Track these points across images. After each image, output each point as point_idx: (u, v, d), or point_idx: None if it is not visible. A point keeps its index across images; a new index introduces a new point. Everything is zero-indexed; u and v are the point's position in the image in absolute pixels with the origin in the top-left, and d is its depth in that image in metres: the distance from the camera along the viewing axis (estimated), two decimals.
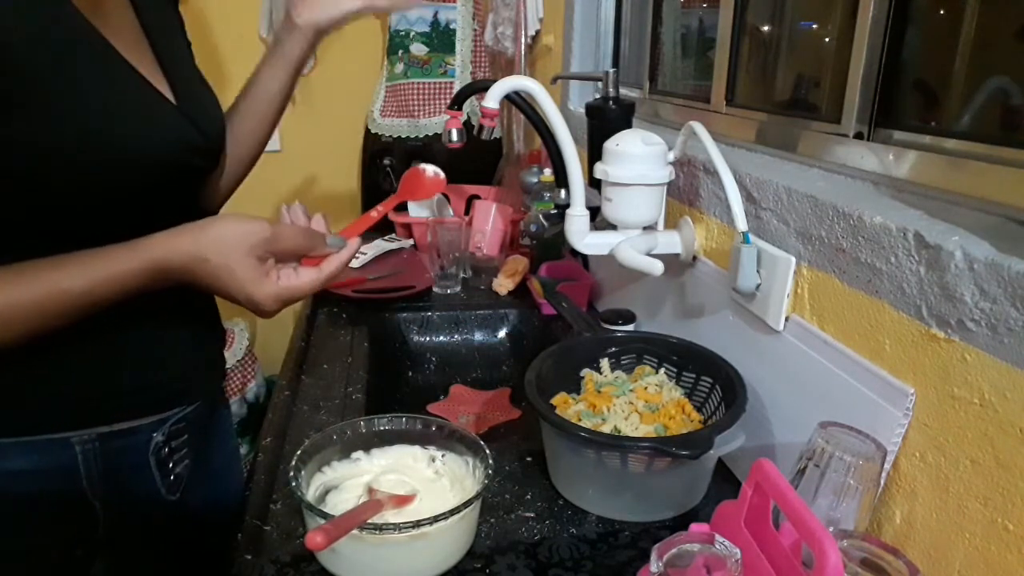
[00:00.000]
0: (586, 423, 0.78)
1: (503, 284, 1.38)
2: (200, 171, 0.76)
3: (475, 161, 2.00)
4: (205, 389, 0.83)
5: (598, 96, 1.10)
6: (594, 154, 1.00)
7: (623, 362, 0.91)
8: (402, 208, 1.64)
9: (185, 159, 0.70)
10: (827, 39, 0.88)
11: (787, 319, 0.75)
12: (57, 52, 0.58)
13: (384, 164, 1.74)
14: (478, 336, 1.30)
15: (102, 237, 0.64)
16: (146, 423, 0.73)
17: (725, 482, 0.81)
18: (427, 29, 2.12)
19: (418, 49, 2.13)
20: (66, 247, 0.62)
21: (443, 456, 0.77)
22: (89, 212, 0.63)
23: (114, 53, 0.64)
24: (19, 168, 0.58)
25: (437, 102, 2.14)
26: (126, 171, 0.63)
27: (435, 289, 1.38)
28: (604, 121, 1.04)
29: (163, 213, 0.71)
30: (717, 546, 0.50)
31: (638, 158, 0.88)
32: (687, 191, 0.97)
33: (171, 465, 0.77)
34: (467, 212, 1.59)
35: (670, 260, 0.90)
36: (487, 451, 0.71)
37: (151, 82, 0.67)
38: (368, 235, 1.70)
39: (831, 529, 0.53)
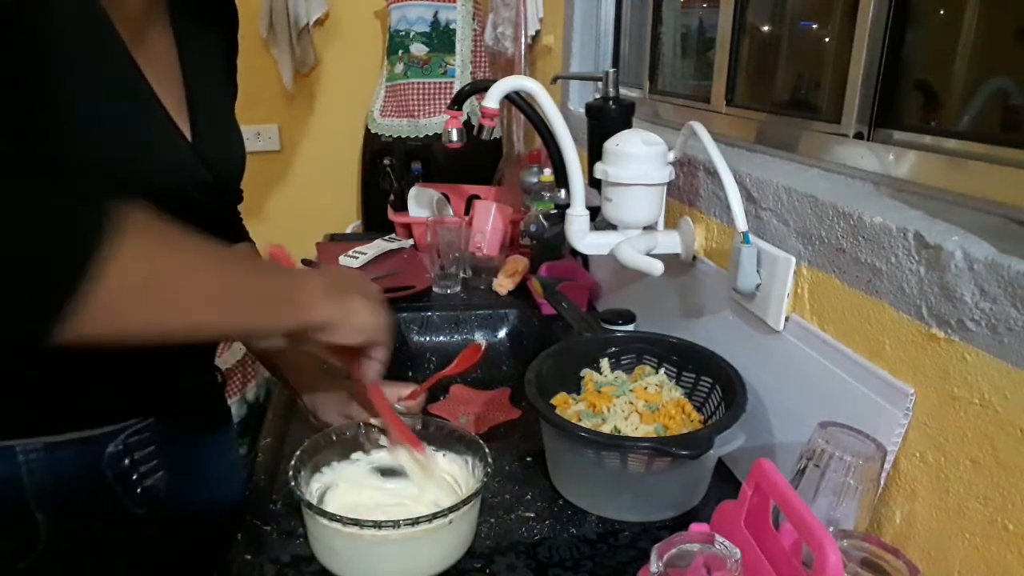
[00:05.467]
0: (586, 423, 0.78)
1: (503, 284, 1.38)
2: (206, 206, 0.74)
3: (475, 161, 2.00)
4: (171, 401, 0.77)
5: (598, 96, 1.10)
6: (594, 154, 1.00)
7: (623, 362, 0.91)
8: (402, 208, 1.64)
9: (189, 195, 0.70)
10: (827, 39, 0.88)
11: (787, 319, 0.75)
12: (87, 74, 0.59)
13: (384, 164, 1.74)
14: (478, 336, 1.30)
15: None
16: (99, 433, 0.69)
17: (725, 482, 0.81)
18: (427, 29, 2.12)
19: (418, 49, 2.13)
20: None
21: (443, 456, 0.77)
22: None
23: (143, 82, 0.64)
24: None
25: (437, 102, 2.14)
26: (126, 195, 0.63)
27: (435, 289, 1.38)
28: (604, 121, 1.04)
29: None
30: (717, 546, 0.50)
31: (638, 158, 0.88)
32: (687, 191, 0.97)
33: (136, 477, 0.72)
34: (467, 212, 1.59)
35: (670, 260, 0.89)
36: (487, 451, 0.71)
37: (172, 117, 0.68)
38: (368, 235, 1.70)
39: (831, 529, 0.53)
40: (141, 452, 0.72)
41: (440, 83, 2.14)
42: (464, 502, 0.64)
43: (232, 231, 0.90)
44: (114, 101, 0.62)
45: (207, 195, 0.73)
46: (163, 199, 0.66)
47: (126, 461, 0.71)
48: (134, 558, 0.74)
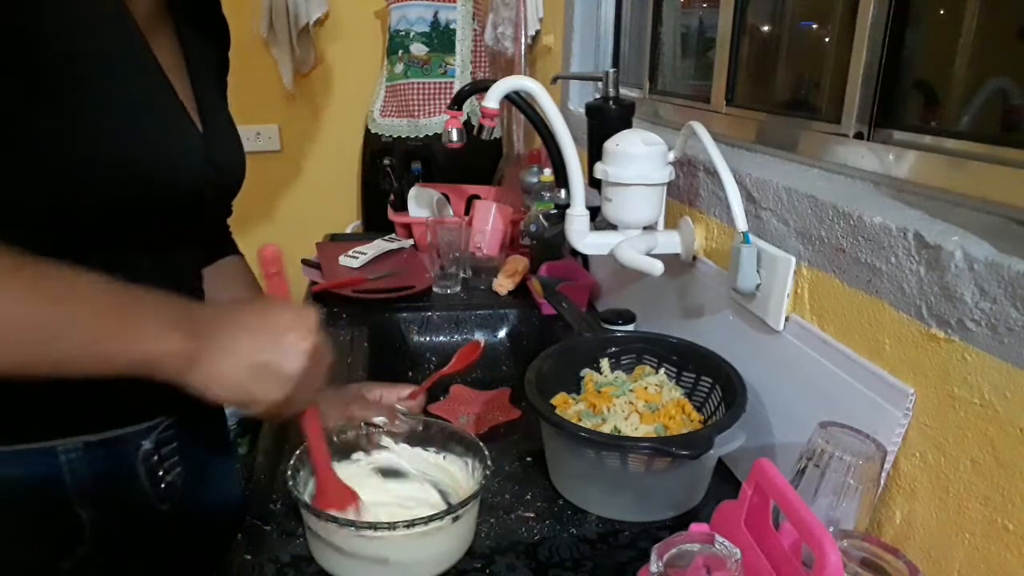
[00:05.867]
0: (586, 423, 0.78)
1: (503, 284, 1.38)
2: (210, 204, 0.76)
3: (475, 161, 2.00)
4: (188, 397, 0.80)
5: (598, 96, 1.10)
6: (594, 154, 1.01)
7: (623, 362, 0.91)
8: (402, 208, 1.64)
9: (201, 192, 0.71)
10: (827, 39, 0.88)
11: (787, 319, 0.75)
12: (112, 64, 0.60)
13: (384, 164, 1.74)
14: (478, 336, 1.30)
15: (106, 249, 0.64)
16: (133, 431, 0.71)
17: (725, 482, 0.81)
18: (427, 29, 2.12)
19: (418, 49, 2.13)
20: (69, 252, 0.62)
21: (443, 457, 0.77)
22: (98, 221, 0.63)
23: (162, 74, 0.66)
24: (45, 162, 0.58)
25: (437, 102, 2.14)
26: (144, 188, 0.63)
27: (435, 289, 1.38)
28: (604, 121, 1.04)
29: (170, 237, 0.71)
30: (717, 546, 0.50)
31: (638, 158, 0.88)
32: (687, 191, 0.97)
33: (161, 473, 0.74)
34: (467, 212, 1.59)
35: (670, 260, 0.90)
36: (486, 451, 0.71)
37: (187, 108, 0.69)
38: (368, 235, 1.71)
39: (831, 529, 0.53)
40: (167, 448, 0.75)
41: (440, 83, 2.14)
42: (464, 503, 0.64)
43: (221, 244, 0.91)
44: (139, 92, 0.63)
45: (213, 192, 0.74)
46: (177, 194, 0.68)
47: (155, 457, 0.74)
48: (156, 554, 0.76)
